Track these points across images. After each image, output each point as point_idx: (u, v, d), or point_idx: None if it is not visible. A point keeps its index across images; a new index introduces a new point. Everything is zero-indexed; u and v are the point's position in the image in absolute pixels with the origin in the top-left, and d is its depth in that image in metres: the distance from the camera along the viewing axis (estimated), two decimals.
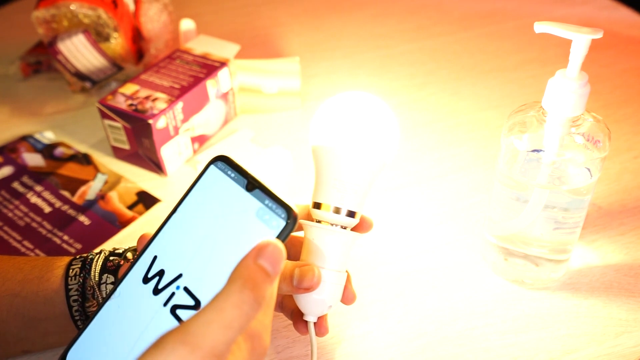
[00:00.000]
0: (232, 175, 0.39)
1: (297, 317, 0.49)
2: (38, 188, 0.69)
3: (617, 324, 0.54)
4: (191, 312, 0.36)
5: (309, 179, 0.69)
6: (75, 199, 0.67)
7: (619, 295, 0.56)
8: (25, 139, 0.76)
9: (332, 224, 0.47)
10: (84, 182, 0.69)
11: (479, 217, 0.64)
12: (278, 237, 0.36)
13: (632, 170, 0.70)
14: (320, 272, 0.45)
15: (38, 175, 0.70)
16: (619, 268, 0.59)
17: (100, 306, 0.39)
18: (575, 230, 0.55)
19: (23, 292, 0.47)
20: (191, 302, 0.36)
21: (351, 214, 0.47)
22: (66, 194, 0.68)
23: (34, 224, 0.64)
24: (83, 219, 0.65)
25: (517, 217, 0.54)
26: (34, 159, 0.73)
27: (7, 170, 0.71)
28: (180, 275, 0.37)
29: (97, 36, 0.78)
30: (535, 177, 0.51)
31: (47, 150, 0.74)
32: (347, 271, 0.49)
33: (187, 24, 0.82)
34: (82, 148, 0.75)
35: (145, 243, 0.40)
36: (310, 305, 0.47)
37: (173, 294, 0.37)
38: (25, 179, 0.70)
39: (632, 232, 0.63)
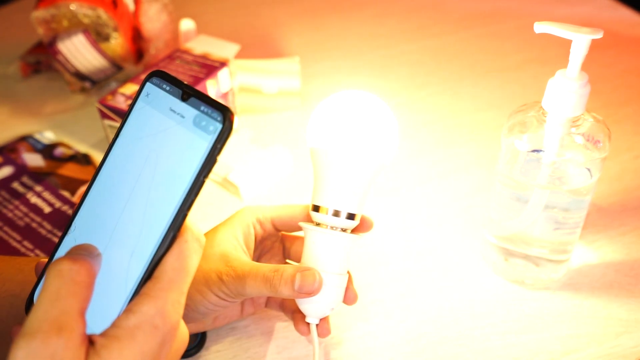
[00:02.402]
0: (168, 88, 0.36)
1: (298, 317, 0.49)
2: (38, 188, 0.68)
3: (617, 324, 0.54)
4: (137, 236, 0.35)
5: (309, 179, 0.69)
6: (75, 199, 0.67)
7: (620, 296, 0.56)
8: (25, 139, 0.75)
9: (332, 227, 0.47)
10: (83, 182, 0.69)
11: (479, 217, 0.64)
12: (216, 142, 0.33)
13: (633, 171, 0.70)
14: (321, 277, 0.45)
15: (38, 176, 0.70)
16: (619, 268, 0.59)
17: (58, 244, 0.38)
18: (576, 230, 0.55)
19: (23, 293, 0.47)
20: (137, 225, 0.35)
21: (351, 217, 0.47)
22: (66, 194, 0.68)
23: (34, 224, 0.64)
24: None
25: (517, 218, 0.54)
26: (33, 159, 0.73)
27: (7, 171, 0.71)
28: (126, 200, 0.36)
29: (97, 36, 0.78)
30: (536, 177, 0.51)
31: (47, 151, 0.74)
32: (348, 272, 0.49)
33: (187, 24, 0.82)
34: (82, 148, 0.74)
35: (95, 170, 0.39)
36: (312, 307, 0.47)
37: (121, 218, 0.36)
38: (25, 179, 0.70)
39: (632, 232, 0.62)
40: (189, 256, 0.35)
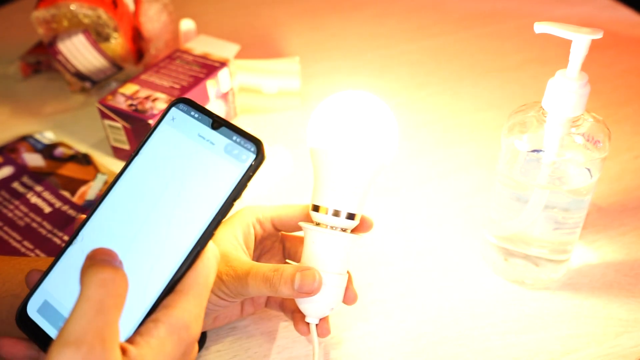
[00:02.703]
0: (196, 115, 0.38)
1: (297, 317, 0.49)
2: (38, 188, 0.68)
3: (617, 324, 0.54)
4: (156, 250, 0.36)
5: (309, 179, 0.69)
6: (75, 199, 0.67)
7: (619, 296, 0.56)
8: (25, 139, 0.75)
9: (331, 227, 0.47)
10: (84, 182, 0.69)
11: (479, 217, 0.64)
12: (249, 169, 0.36)
13: (633, 171, 0.70)
14: (321, 277, 0.45)
15: (38, 176, 0.70)
16: (619, 268, 0.59)
17: (61, 253, 0.39)
18: (576, 230, 0.55)
19: (23, 293, 0.46)
20: (160, 240, 0.36)
21: (351, 216, 0.47)
22: (66, 194, 0.68)
23: (34, 224, 0.64)
24: None
25: (517, 217, 0.54)
26: (34, 159, 0.73)
27: (7, 171, 0.71)
28: (147, 216, 0.37)
29: (97, 36, 0.78)
30: (536, 177, 0.51)
31: (47, 151, 0.74)
32: (348, 272, 0.49)
33: (187, 24, 0.82)
34: (82, 148, 0.74)
35: (108, 185, 0.40)
36: (312, 307, 0.47)
37: (139, 232, 0.37)
38: (25, 179, 0.70)
39: (632, 232, 0.62)
40: (210, 273, 0.37)
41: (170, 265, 0.36)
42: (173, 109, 0.39)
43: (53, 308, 0.37)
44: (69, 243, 0.39)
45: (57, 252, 0.41)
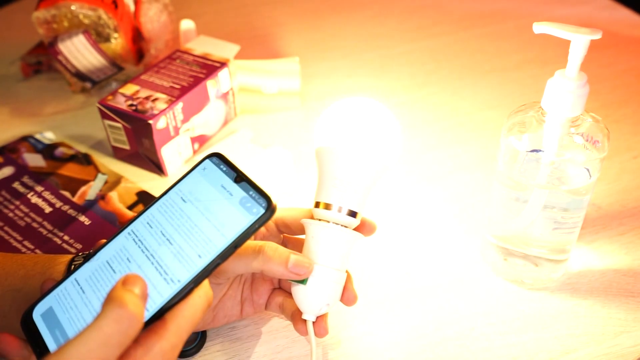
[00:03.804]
0: (224, 169, 0.43)
1: (297, 318, 0.50)
2: (38, 188, 0.69)
3: (616, 323, 0.54)
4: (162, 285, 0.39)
5: (309, 179, 0.69)
6: (75, 199, 0.67)
7: (618, 295, 0.57)
8: (25, 139, 0.76)
9: (333, 223, 0.47)
10: (84, 182, 0.69)
11: (478, 217, 0.65)
12: (256, 221, 0.40)
13: (632, 171, 0.70)
14: (313, 265, 0.47)
15: (38, 176, 0.70)
16: (618, 268, 0.59)
17: (78, 266, 0.42)
18: (575, 230, 0.55)
19: (25, 287, 0.47)
20: (162, 270, 0.40)
21: (352, 214, 0.47)
22: (66, 194, 0.68)
23: (35, 224, 0.64)
24: (83, 219, 0.65)
25: (516, 217, 0.54)
26: (34, 159, 0.73)
27: (7, 171, 0.71)
28: (157, 247, 0.41)
29: (97, 36, 0.78)
30: (535, 177, 0.51)
31: (48, 151, 0.74)
32: (347, 272, 0.49)
33: (187, 24, 0.82)
34: (83, 148, 0.75)
35: (133, 217, 0.43)
36: (309, 302, 0.47)
37: (150, 265, 0.41)
38: (25, 179, 0.70)
39: (631, 232, 0.63)
40: (198, 311, 0.39)
41: (164, 294, 0.39)
42: (207, 161, 0.44)
43: (55, 316, 0.40)
44: (85, 260, 0.42)
45: (57, 252, 0.42)
